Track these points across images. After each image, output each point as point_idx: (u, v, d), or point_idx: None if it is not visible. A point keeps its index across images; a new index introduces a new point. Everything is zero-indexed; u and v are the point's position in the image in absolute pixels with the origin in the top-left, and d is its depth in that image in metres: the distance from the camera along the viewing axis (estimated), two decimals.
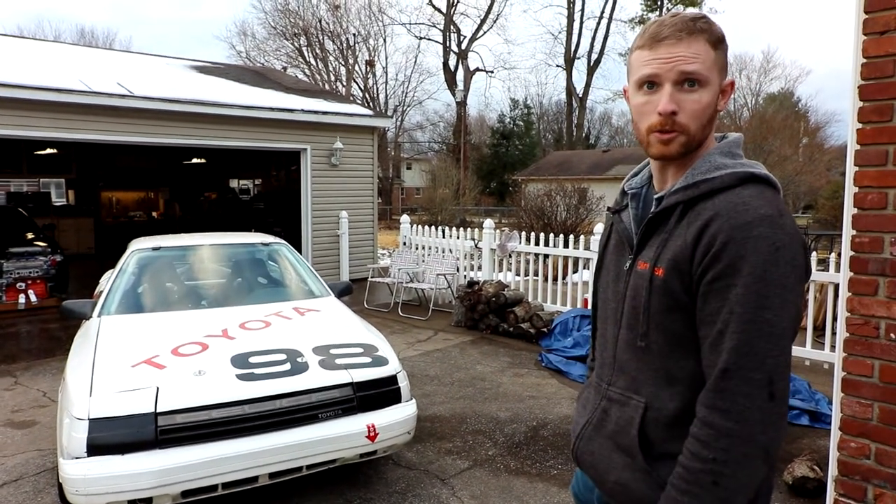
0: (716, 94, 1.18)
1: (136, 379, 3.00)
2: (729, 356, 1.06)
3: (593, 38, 39.92)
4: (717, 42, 1.17)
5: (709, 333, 1.10)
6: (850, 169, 2.49)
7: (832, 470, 2.60)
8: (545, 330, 6.75)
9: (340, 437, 3.09)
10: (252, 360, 3.24)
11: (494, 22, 40.59)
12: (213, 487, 2.86)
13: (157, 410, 2.81)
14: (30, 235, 9.47)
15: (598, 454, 1.29)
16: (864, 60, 2.40)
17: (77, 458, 2.69)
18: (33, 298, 8.35)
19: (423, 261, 9.11)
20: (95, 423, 2.73)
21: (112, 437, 2.72)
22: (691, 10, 1.22)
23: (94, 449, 2.69)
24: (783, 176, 23.14)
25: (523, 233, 8.29)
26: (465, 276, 8.61)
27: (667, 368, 1.18)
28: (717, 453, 1.06)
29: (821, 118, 36.87)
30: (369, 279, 9.14)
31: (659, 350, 1.19)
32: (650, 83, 1.18)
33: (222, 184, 18.58)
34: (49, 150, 14.28)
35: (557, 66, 42.03)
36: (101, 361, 3.18)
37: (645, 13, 35.44)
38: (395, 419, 3.26)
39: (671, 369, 1.18)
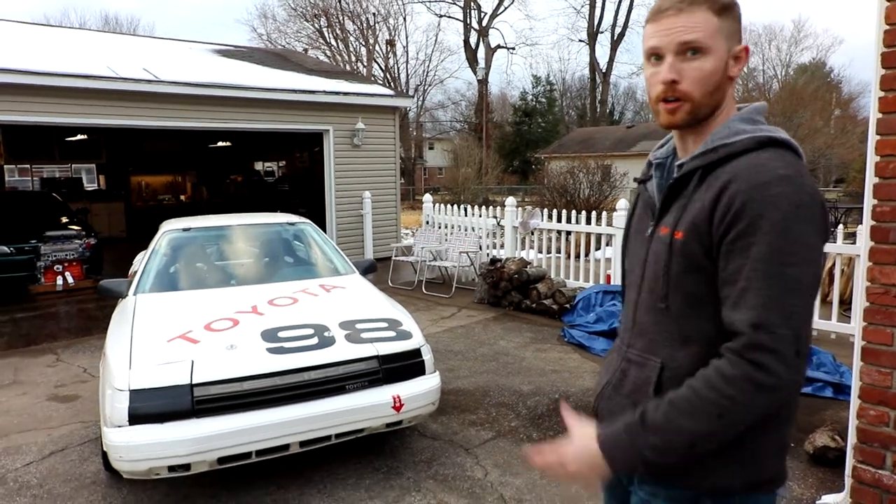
0: (721, 60, 1.20)
1: (173, 353, 3.13)
2: (758, 312, 1.08)
3: (616, 12, 39.19)
4: (722, 9, 1.19)
5: (731, 293, 1.13)
6: (872, 137, 2.48)
7: (851, 437, 2.63)
8: (568, 306, 6.80)
9: (367, 407, 3.20)
10: (281, 334, 3.36)
11: None
12: (248, 455, 3.00)
13: (193, 382, 2.94)
14: (64, 220, 9.76)
15: (616, 413, 1.34)
16: (888, 27, 2.38)
17: (119, 426, 2.83)
18: (70, 280, 8.64)
19: (446, 239, 9.18)
20: (136, 394, 2.87)
21: (152, 407, 2.86)
22: None
23: (136, 418, 2.84)
24: (813, 149, 22.59)
25: (546, 210, 8.30)
26: (487, 254, 8.66)
27: (684, 329, 1.23)
28: (740, 396, 1.09)
29: (854, 88, 35.67)
30: (393, 258, 9.25)
31: (678, 311, 1.23)
32: (656, 55, 1.23)
33: (247, 166, 18.83)
34: (80, 137, 14.61)
35: (580, 41, 41.42)
36: (138, 337, 3.32)
37: None
38: (419, 390, 3.36)
39: (688, 330, 1.22)
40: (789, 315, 1.08)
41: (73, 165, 17.84)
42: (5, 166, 14.62)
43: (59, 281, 8.57)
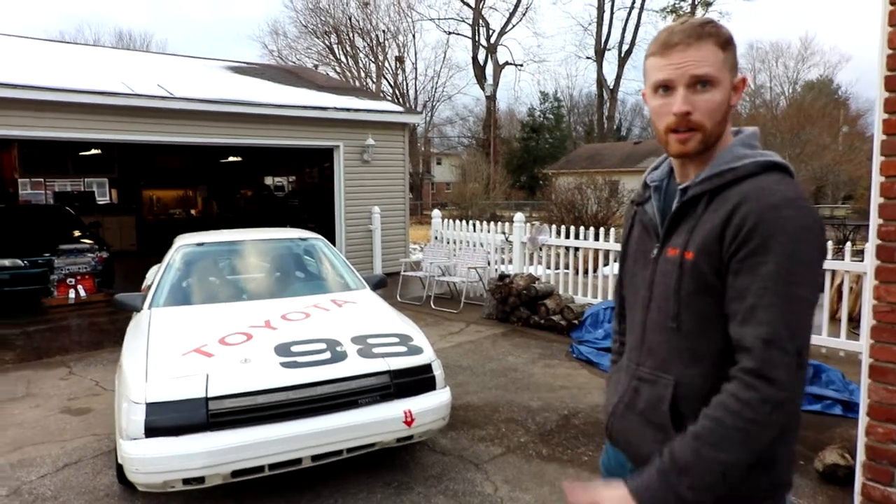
0: (727, 91, 1.26)
1: (188, 366, 3.18)
2: (769, 328, 1.14)
3: (624, 29, 39.43)
4: (725, 44, 1.26)
5: (739, 308, 1.18)
6: (877, 159, 2.53)
7: (860, 455, 2.64)
8: (576, 322, 6.82)
9: (379, 421, 3.23)
10: (294, 349, 3.41)
11: (523, 15, 40.50)
12: (261, 468, 3.04)
13: (208, 395, 2.99)
14: (77, 233, 9.89)
15: (630, 430, 1.38)
16: (890, 52, 2.43)
17: (135, 439, 2.88)
18: (82, 293, 8.73)
19: (455, 255, 9.24)
20: (152, 407, 2.92)
21: (168, 420, 2.90)
22: (700, 17, 1.30)
23: (152, 431, 2.88)
24: (821, 166, 22.57)
25: (554, 226, 8.35)
26: (496, 270, 8.71)
27: (695, 347, 1.27)
28: (759, 416, 1.13)
29: (862, 106, 35.64)
30: (402, 273, 9.30)
31: (688, 330, 1.27)
32: (665, 87, 1.27)
33: (257, 181, 19.00)
34: (93, 151, 14.82)
35: (588, 58, 41.63)
36: (154, 350, 3.38)
37: (677, 2, 34.85)
38: (430, 405, 3.39)
39: (699, 348, 1.26)
40: (795, 331, 1.14)
41: (85, 179, 18.04)
42: (20, 180, 14.83)
43: (72, 294, 8.67)
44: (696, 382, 1.26)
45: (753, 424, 1.13)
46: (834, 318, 6.21)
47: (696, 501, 1.16)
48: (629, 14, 38.80)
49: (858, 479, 2.65)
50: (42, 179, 16.36)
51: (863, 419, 2.61)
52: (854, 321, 6.28)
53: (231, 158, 17.45)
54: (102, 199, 17.81)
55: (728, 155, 1.27)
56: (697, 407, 1.22)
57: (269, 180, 19.85)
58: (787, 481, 1.29)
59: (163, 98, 8.61)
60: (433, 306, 8.50)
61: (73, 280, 8.71)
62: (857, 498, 2.66)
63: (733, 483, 1.17)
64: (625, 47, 39.33)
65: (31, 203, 14.59)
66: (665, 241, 1.33)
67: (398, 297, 8.95)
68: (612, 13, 39.00)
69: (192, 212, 18.08)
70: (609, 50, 39.73)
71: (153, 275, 5.31)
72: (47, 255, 8.66)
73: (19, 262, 8.52)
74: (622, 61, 39.66)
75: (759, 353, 1.14)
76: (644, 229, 1.42)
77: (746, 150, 1.28)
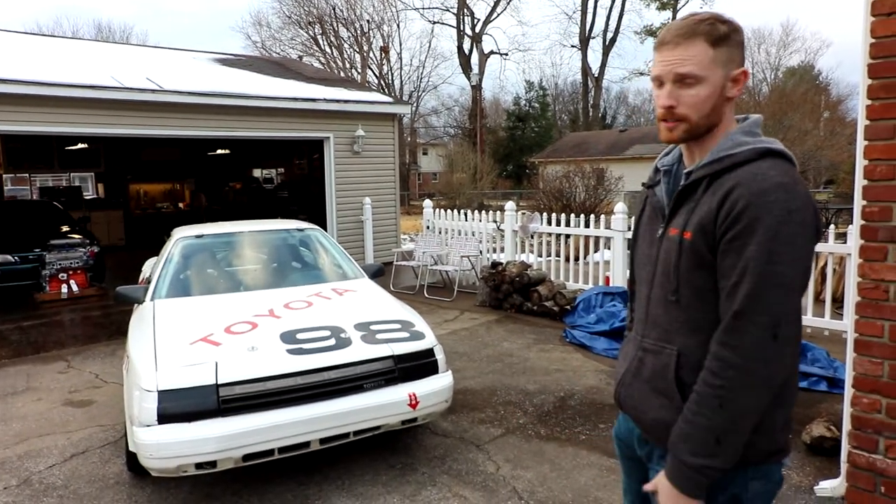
0: (716, 85, 1.35)
1: (196, 355, 3.25)
2: (741, 301, 1.25)
3: (608, 17, 39.61)
4: (718, 41, 1.33)
5: (726, 285, 1.29)
6: (861, 143, 2.65)
7: (846, 425, 2.78)
8: (568, 307, 6.94)
9: (384, 405, 3.33)
10: (299, 336, 3.48)
11: (508, 4, 40.25)
12: (271, 452, 3.12)
13: (218, 382, 3.06)
14: (66, 228, 9.85)
15: (637, 397, 1.50)
16: (873, 40, 2.54)
17: (149, 426, 2.95)
18: (75, 288, 8.72)
19: (447, 244, 9.32)
20: (164, 395, 2.99)
21: (179, 407, 2.97)
22: (700, 14, 1.37)
23: (164, 418, 2.95)
24: (804, 151, 22.84)
25: (544, 214, 8.46)
26: (488, 258, 8.81)
27: (693, 320, 1.37)
28: (724, 381, 1.26)
29: (842, 91, 35.94)
30: (394, 263, 9.38)
31: (687, 303, 1.38)
32: (658, 81, 1.40)
33: (246, 174, 18.93)
34: (79, 145, 14.69)
35: (572, 46, 41.70)
36: (161, 340, 3.44)
37: None
38: (433, 388, 3.49)
39: (697, 320, 1.37)
40: (769, 306, 1.24)
41: (71, 174, 17.87)
42: (4, 175, 14.67)
43: (65, 289, 8.65)
44: (695, 352, 1.36)
45: (722, 389, 1.26)
46: (818, 299, 6.38)
47: (708, 466, 1.28)
48: (612, 2, 38.93)
49: (845, 448, 2.79)
50: (27, 174, 16.20)
51: (848, 391, 2.75)
52: (837, 301, 6.46)
53: (219, 151, 17.37)
54: (88, 194, 17.68)
55: (728, 142, 1.37)
56: (697, 375, 1.33)
57: (257, 172, 19.78)
58: (784, 447, 1.40)
59: (153, 91, 8.59)
60: (427, 295, 8.59)
61: (65, 275, 8.69)
62: (844, 466, 2.80)
63: (731, 448, 1.28)
64: (609, 35, 39.55)
65: (17, 199, 14.46)
66: (669, 221, 1.44)
67: (391, 286, 9.02)
68: (596, 1, 39.16)
69: (181, 205, 17.99)
70: (594, 38, 39.89)
71: (150, 267, 5.35)
72: (38, 250, 8.63)
73: (9, 257, 8.49)
74: (606, 49, 39.82)
75: (727, 324, 1.27)
76: (653, 210, 1.53)
77: (746, 138, 1.37)
